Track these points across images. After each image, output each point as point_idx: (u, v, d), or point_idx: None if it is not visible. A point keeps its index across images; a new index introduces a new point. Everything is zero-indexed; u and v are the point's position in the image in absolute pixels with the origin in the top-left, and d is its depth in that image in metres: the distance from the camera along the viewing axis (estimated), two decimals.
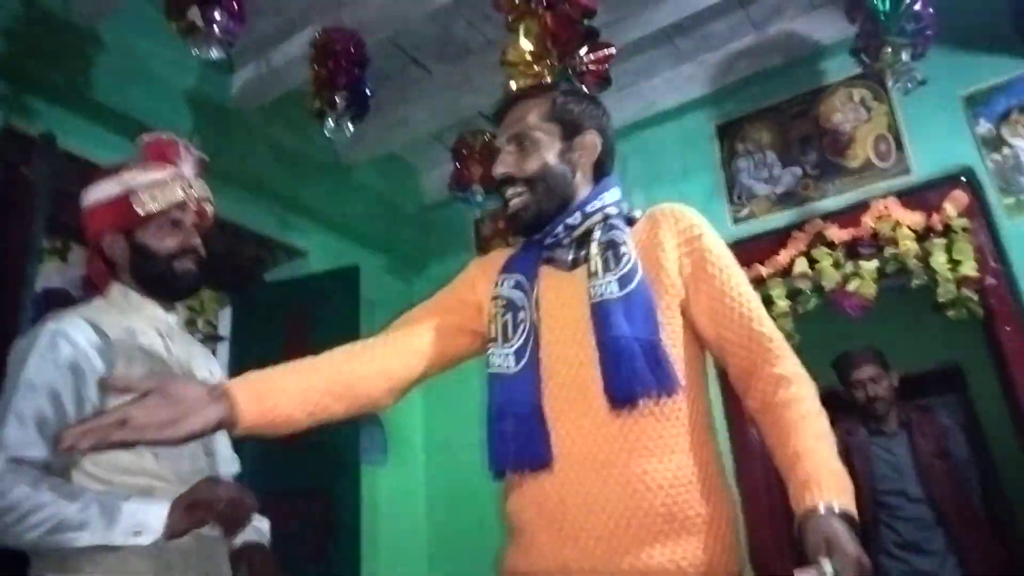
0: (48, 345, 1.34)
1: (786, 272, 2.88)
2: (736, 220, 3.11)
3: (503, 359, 1.26)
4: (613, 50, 2.21)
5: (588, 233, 1.32)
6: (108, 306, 1.48)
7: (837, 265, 2.79)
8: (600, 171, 1.40)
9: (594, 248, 1.28)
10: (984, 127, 2.67)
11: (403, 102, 3.27)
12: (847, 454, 2.98)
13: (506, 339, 1.27)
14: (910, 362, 3.52)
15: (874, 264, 2.74)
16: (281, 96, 2.99)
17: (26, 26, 2.33)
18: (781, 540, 2.87)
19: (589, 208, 1.33)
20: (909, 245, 2.65)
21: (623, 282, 1.22)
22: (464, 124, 3.34)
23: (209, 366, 1.64)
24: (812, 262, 2.83)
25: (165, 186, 1.49)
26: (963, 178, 2.67)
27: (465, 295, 1.41)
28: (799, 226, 2.91)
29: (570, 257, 1.33)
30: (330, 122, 2.50)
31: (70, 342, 1.34)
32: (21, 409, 1.28)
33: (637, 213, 1.40)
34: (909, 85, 2.38)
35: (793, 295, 2.88)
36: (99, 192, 1.51)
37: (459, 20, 2.96)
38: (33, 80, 2.38)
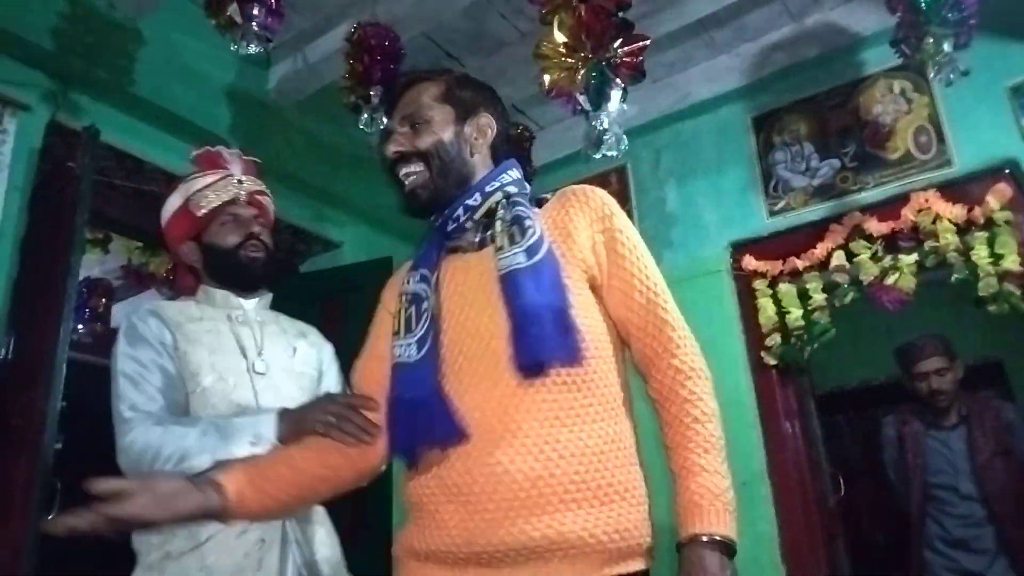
0: (129, 330, 1.52)
1: (823, 266, 2.84)
2: (772, 213, 3.07)
3: (405, 349, 1.22)
4: (647, 42, 2.20)
5: (491, 213, 1.29)
6: (187, 301, 1.64)
7: (876, 258, 2.74)
8: (497, 155, 1.36)
9: (498, 226, 1.25)
10: None
11: None
12: (900, 444, 2.93)
13: (408, 330, 1.23)
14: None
15: (913, 258, 2.69)
16: (317, 91, 3.02)
17: (71, 24, 2.39)
18: (814, 533, 2.85)
19: (488, 188, 1.29)
20: (950, 238, 2.59)
21: (530, 252, 1.18)
22: None
23: (292, 343, 1.68)
24: (850, 255, 2.79)
25: (216, 187, 1.61)
26: (1007, 170, 2.61)
27: (384, 328, 1.34)
28: (837, 219, 2.87)
29: (476, 239, 1.29)
30: (365, 116, 2.53)
31: (146, 323, 1.53)
32: (129, 377, 1.46)
33: (547, 196, 1.38)
34: (951, 76, 2.32)
35: (830, 289, 2.84)
36: (168, 210, 1.65)
37: (492, 14, 2.96)
38: (78, 77, 2.44)
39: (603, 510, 1.11)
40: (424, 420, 1.15)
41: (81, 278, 3.49)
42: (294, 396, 1.57)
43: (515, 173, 1.35)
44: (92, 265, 4.17)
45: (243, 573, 1.39)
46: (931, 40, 2.27)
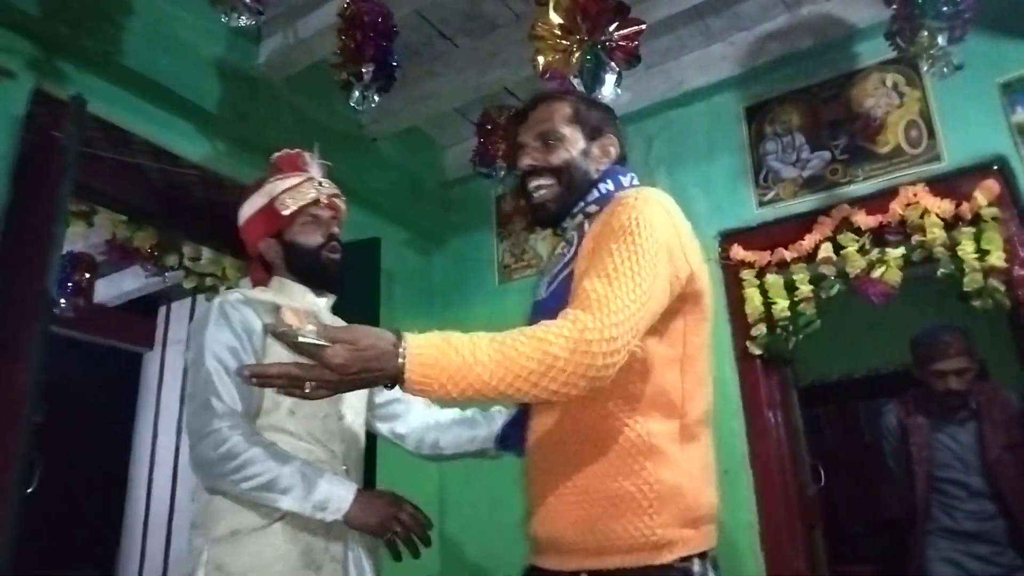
0: (219, 314, 1.55)
1: (810, 257, 2.86)
2: (762, 203, 3.08)
3: None
4: (643, 26, 2.19)
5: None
6: (268, 292, 1.71)
7: (863, 251, 2.76)
8: None
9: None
10: (1021, 115, 2.61)
11: (429, 76, 3.26)
12: (903, 434, 2.79)
13: None
14: None
15: (900, 251, 2.70)
16: (308, 66, 2.98)
17: None
18: (793, 523, 2.88)
19: (576, 209, 1.40)
20: (937, 233, 2.61)
21: (548, 285, 1.34)
22: (489, 100, 3.33)
23: None
24: (838, 248, 2.80)
25: (300, 188, 1.72)
26: (996, 167, 2.62)
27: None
28: (826, 211, 2.88)
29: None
30: (356, 94, 2.50)
31: (237, 310, 1.57)
32: (216, 367, 1.49)
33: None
34: (944, 70, 2.32)
35: (817, 280, 2.85)
36: (250, 207, 1.75)
37: None
38: (64, 44, 2.39)
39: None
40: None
41: (64, 251, 3.44)
42: (356, 406, 1.72)
43: (605, 187, 1.39)
44: (76, 239, 4.10)
45: (312, 554, 1.46)
46: (926, 33, 2.27)
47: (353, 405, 1.72)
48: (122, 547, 4.65)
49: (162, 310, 5.12)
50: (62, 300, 4.09)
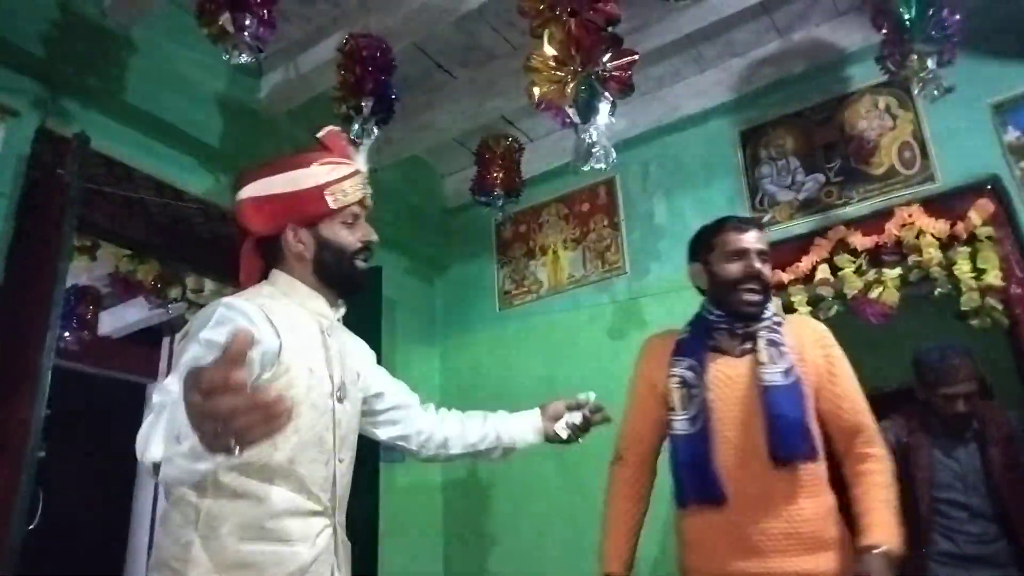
0: (222, 317, 1.30)
1: (808, 279, 2.87)
2: None
3: (682, 423, 1.74)
4: (636, 56, 2.22)
5: (754, 331, 1.79)
6: (275, 293, 1.47)
7: (860, 272, 2.77)
8: None
9: (761, 343, 1.74)
10: (1012, 135, 2.65)
11: (427, 107, 3.30)
12: (904, 453, 2.64)
13: (684, 408, 1.75)
14: None
15: (897, 272, 2.72)
16: (309, 100, 3.03)
17: (62, 31, 2.39)
18: None
19: (765, 317, 1.82)
20: (933, 253, 2.63)
21: (787, 374, 1.70)
22: (487, 129, 3.37)
23: (366, 358, 1.69)
24: (835, 269, 2.82)
25: (353, 182, 1.50)
26: (989, 186, 2.64)
27: (651, 392, 1.90)
28: (822, 233, 2.90)
29: (739, 347, 1.79)
30: (356, 127, 2.54)
31: (244, 315, 1.31)
32: (188, 361, 1.20)
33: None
34: (935, 93, 2.35)
35: (815, 302, 2.87)
36: (285, 183, 1.46)
37: (484, 26, 2.99)
38: (68, 83, 2.44)
39: (828, 554, 1.64)
40: (701, 483, 1.68)
41: (68, 285, 3.46)
42: (355, 426, 1.55)
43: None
44: (79, 272, 4.14)
45: None
46: (915, 57, 2.30)
47: (349, 441, 1.52)
48: None
49: (165, 341, 5.12)
50: (66, 333, 4.11)
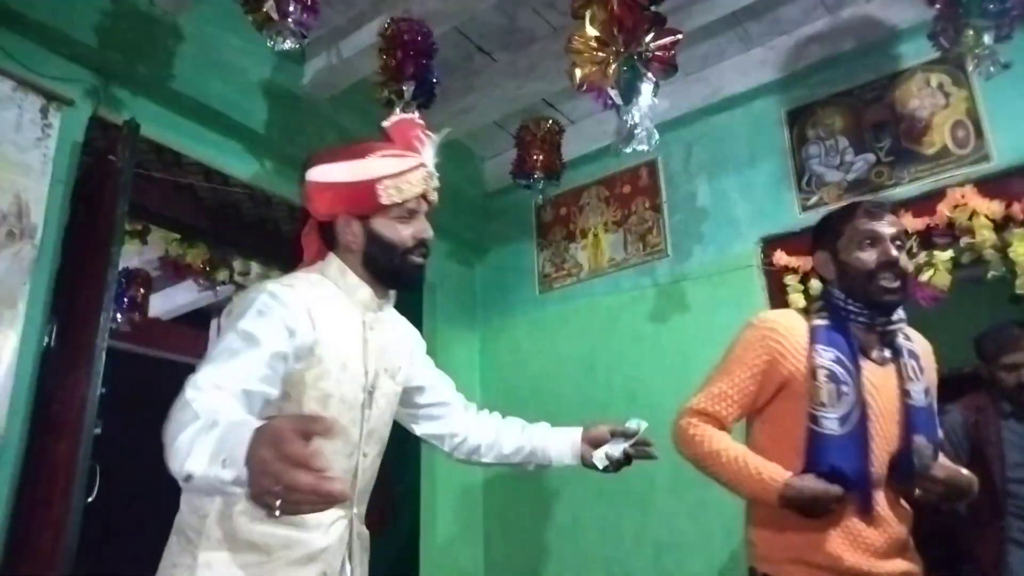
0: (264, 306, 1.29)
1: None
2: (804, 208, 3.04)
3: (832, 422, 1.58)
4: (680, 36, 2.19)
5: (892, 333, 1.70)
6: (322, 281, 1.46)
7: (910, 255, 2.70)
8: None
9: (905, 355, 1.67)
10: None
11: (468, 90, 3.30)
12: (972, 434, 2.67)
13: (832, 405, 1.59)
14: None
15: (949, 254, 2.64)
16: (351, 85, 3.06)
17: (113, 21, 2.45)
18: None
19: (902, 313, 1.72)
20: (986, 235, 2.55)
21: (926, 394, 1.65)
22: (527, 112, 3.36)
23: (413, 349, 1.65)
24: None
25: (410, 178, 1.43)
26: None
27: (769, 369, 1.72)
28: None
29: (883, 355, 1.69)
30: (398, 111, 2.55)
31: (284, 307, 1.31)
32: (223, 351, 1.22)
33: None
34: (991, 69, 2.27)
35: None
36: (343, 173, 1.43)
37: (525, 8, 2.97)
38: (119, 72, 2.50)
39: (914, 557, 1.68)
40: (852, 490, 1.57)
41: (120, 268, 3.57)
42: (388, 420, 1.54)
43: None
44: (131, 256, 4.27)
45: None
46: (971, 32, 2.23)
47: (378, 435, 1.51)
48: None
49: (214, 323, 5.25)
50: (119, 315, 4.24)
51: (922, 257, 2.69)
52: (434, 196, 1.51)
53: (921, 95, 2.87)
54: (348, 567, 1.40)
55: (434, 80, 2.62)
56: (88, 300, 2.23)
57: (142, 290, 4.55)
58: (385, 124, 1.52)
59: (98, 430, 2.20)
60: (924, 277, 2.66)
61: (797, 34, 3.12)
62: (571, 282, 3.66)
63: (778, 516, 1.62)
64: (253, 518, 1.29)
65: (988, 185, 2.62)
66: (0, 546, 2.02)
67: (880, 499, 1.62)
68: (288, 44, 2.26)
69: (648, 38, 2.12)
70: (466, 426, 1.76)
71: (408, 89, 2.51)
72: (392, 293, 1.54)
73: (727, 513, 2.91)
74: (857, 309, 1.67)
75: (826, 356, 1.62)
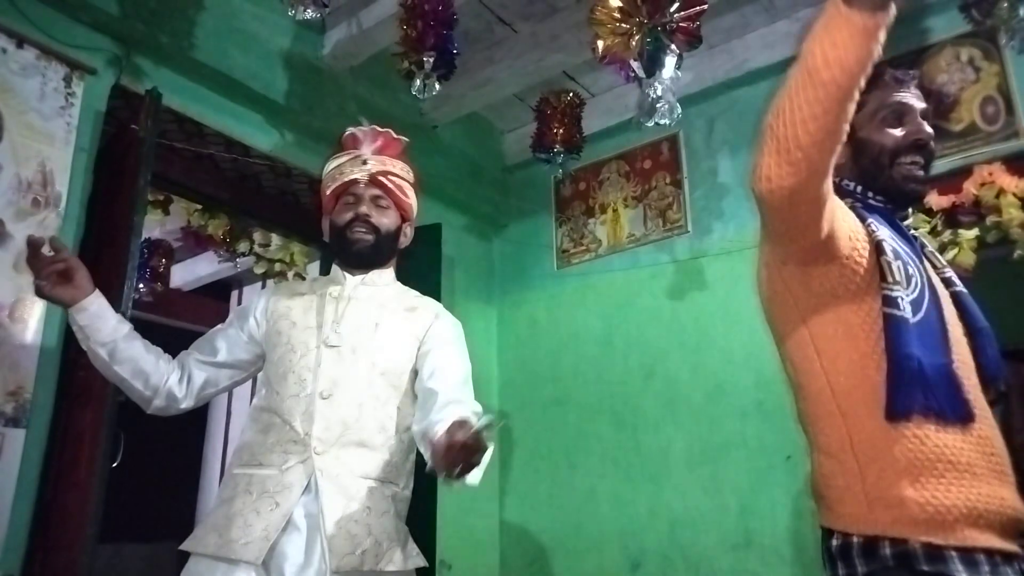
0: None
1: None
2: None
3: (906, 303, 1.22)
4: (704, 6, 2.16)
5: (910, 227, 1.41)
6: (314, 274, 1.81)
7: (935, 233, 2.67)
8: None
9: (928, 246, 1.41)
10: None
11: (488, 62, 3.28)
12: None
13: (904, 284, 1.24)
14: (1010, 336, 3.35)
15: (974, 233, 2.61)
16: (371, 56, 3.04)
17: None
18: None
19: None
20: (1014, 213, 2.51)
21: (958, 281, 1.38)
22: (548, 84, 3.33)
23: (376, 320, 1.65)
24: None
25: (343, 167, 1.70)
26: None
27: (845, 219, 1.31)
28: None
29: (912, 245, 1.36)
30: (417, 82, 2.54)
31: (254, 300, 1.76)
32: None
33: None
34: None
35: None
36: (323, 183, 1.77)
37: None
38: (141, 41, 2.51)
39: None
40: (943, 390, 1.20)
41: (142, 238, 3.60)
42: (361, 374, 1.58)
43: None
44: (153, 226, 4.30)
45: (250, 531, 1.43)
46: (1005, 4, 2.18)
47: (347, 363, 1.59)
48: (197, 520, 4.88)
49: (234, 294, 5.31)
50: (141, 285, 4.29)
51: (947, 235, 2.65)
52: (392, 181, 1.71)
53: (950, 70, 2.81)
54: (318, 505, 1.44)
55: (454, 51, 2.60)
56: (112, 270, 2.25)
57: (164, 260, 4.59)
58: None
59: (122, 398, 2.23)
60: (948, 256, 2.62)
61: (823, 6, 3.05)
62: (589, 257, 3.65)
63: (888, 451, 1.19)
64: (240, 464, 1.55)
65: (1017, 163, 2.58)
66: (30, 508, 2.07)
67: (980, 403, 1.25)
68: (309, 14, 2.25)
69: (672, 8, 2.09)
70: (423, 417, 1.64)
71: (428, 60, 2.49)
72: (374, 269, 1.72)
73: (742, 488, 2.93)
74: (877, 202, 1.36)
75: (883, 231, 1.29)
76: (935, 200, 2.67)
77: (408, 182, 1.76)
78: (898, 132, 1.36)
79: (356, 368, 1.58)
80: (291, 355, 1.60)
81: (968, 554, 1.13)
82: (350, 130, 1.75)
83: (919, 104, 1.39)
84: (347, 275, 1.70)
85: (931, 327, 1.23)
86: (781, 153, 1.11)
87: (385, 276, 1.74)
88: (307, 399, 1.54)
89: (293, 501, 1.44)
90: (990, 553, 1.14)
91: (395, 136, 1.76)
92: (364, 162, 1.69)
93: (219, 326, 1.74)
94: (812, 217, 1.18)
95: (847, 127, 1.12)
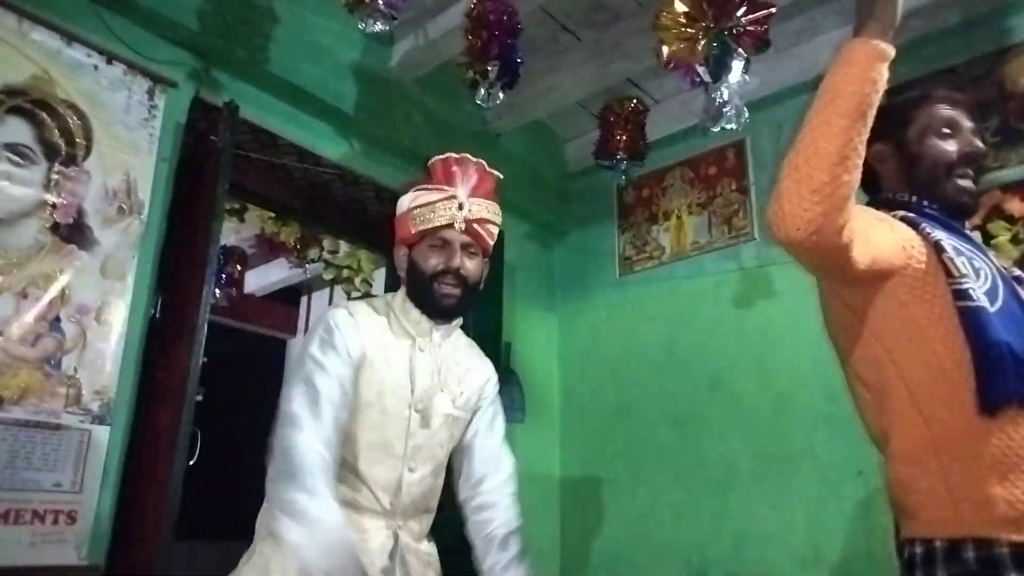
0: (326, 332, 1.50)
1: None
2: None
3: (981, 294, 1.20)
4: (773, 10, 2.12)
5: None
6: (381, 305, 1.62)
7: (1016, 241, 2.56)
8: None
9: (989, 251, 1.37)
10: None
11: (552, 70, 3.29)
12: None
13: (974, 278, 1.22)
14: None
15: None
16: (437, 67, 3.10)
17: (213, 5, 2.56)
18: None
19: None
20: None
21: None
22: (611, 92, 3.33)
23: (461, 387, 1.64)
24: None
25: (436, 208, 1.55)
26: None
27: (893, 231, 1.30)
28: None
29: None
30: (482, 91, 2.58)
31: (339, 332, 1.50)
32: (301, 377, 1.45)
33: None
34: None
35: None
36: (401, 205, 1.61)
37: None
38: (219, 55, 2.61)
39: None
40: None
41: (219, 245, 3.74)
42: (439, 441, 1.58)
43: None
44: (228, 233, 4.46)
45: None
46: None
47: (428, 453, 1.57)
48: None
49: (304, 300, 5.45)
50: (217, 290, 4.45)
51: None
52: (483, 230, 1.58)
53: None
54: (405, 571, 1.48)
55: (518, 60, 2.62)
56: (191, 275, 2.35)
57: (239, 267, 4.74)
58: (430, 162, 1.63)
59: (200, 397, 2.32)
60: None
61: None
62: (652, 265, 3.62)
63: (983, 446, 1.15)
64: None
65: None
66: (112, 503, 2.17)
67: None
68: (378, 26, 2.31)
69: (739, 12, 2.06)
70: (492, 494, 1.68)
71: (493, 70, 2.53)
72: (440, 322, 1.60)
73: (810, 503, 2.85)
74: (932, 211, 1.34)
75: (939, 233, 1.27)
76: (1017, 207, 2.56)
77: (498, 224, 1.64)
78: (951, 146, 1.37)
79: (437, 436, 1.58)
80: (383, 417, 1.51)
81: None
82: (442, 159, 1.62)
83: (969, 123, 1.39)
84: (432, 326, 1.59)
85: (1014, 314, 1.20)
86: (803, 182, 1.12)
87: (458, 327, 1.67)
88: (394, 469, 1.51)
89: (377, 569, 1.44)
90: None
91: (488, 170, 1.64)
92: (460, 207, 1.55)
93: (327, 382, 1.45)
94: (842, 249, 1.16)
95: (863, 149, 1.15)
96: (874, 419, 1.31)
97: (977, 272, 1.23)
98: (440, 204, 1.55)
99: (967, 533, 1.12)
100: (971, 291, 1.19)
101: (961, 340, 1.18)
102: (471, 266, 1.57)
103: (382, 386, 1.51)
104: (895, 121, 1.41)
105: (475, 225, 1.57)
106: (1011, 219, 2.57)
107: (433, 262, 1.54)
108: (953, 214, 1.35)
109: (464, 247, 1.56)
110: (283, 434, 1.38)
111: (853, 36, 1.20)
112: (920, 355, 1.22)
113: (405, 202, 1.59)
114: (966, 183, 1.36)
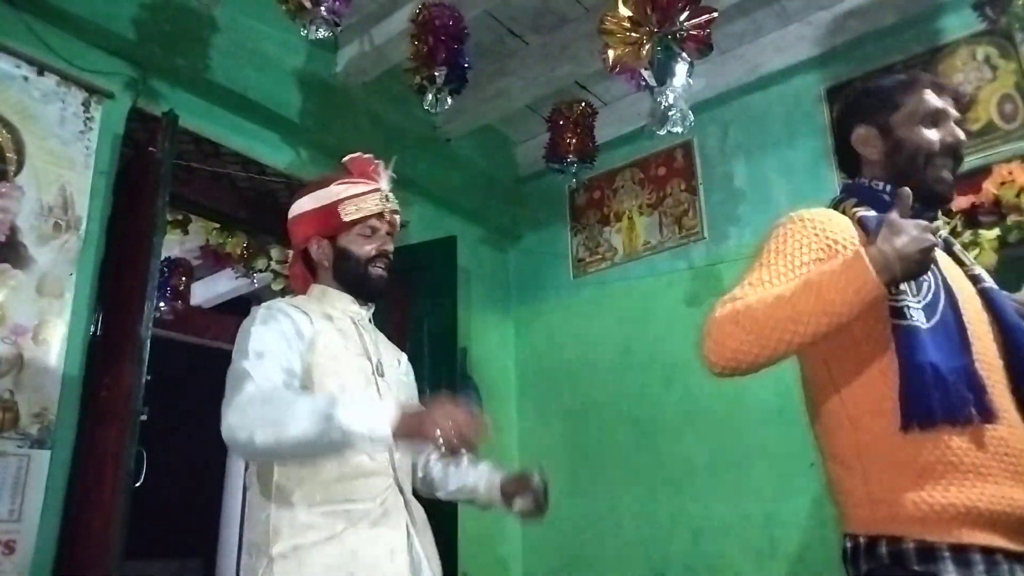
0: (265, 318, 1.55)
1: None
2: None
3: (919, 312, 1.23)
4: (715, 14, 2.15)
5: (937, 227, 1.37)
6: (308, 300, 1.69)
7: (955, 233, 2.64)
8: None
9: (956, 245, 1.43)
10: None
11: (500, 74, 3.29)
12: None
13: (912, 293, 1.25)
14: None
15: (995, 232, 2.58)
16: (383, 72, 3.07)
17: (151, 13, 2.49)
18: None
19: None
20: None
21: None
22: (560, 95, 3.34)
23: (397, 356, 1.79)
24: None
25: (367, 198, 1.67)
26: None
27: (826, 253, 1.33)
28: None
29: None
30: (430, 97, 2.56)
31: (282, 312, 1.56)
32: (258, 352, 1.48)
33: None
34: None
35: None
36: (310, 203, 1.70)
37: None
38: (158, 64, 2.54)
39: None
40: (962, 391, 1.18)
41: (162, 258, 3.64)
42: (401, 400, 1.65)
43: None
44: (172, 245, 4.35)
45: (380, 562, 1.43)
46: (1020, 1, 2.15)
47: (396, 395, 1.69)
48: (221, 536, 4.90)
49: (252, 310, 5.34)
50: (162, 304, 4.33)
51: (967, 236, 2.62)
52: (395, 218, 1.72)
53: (966, 69, 2.79)
54: (412, 532, 1.51)
55: (466, 65, 2.61)
56: (132, 289, 2.28)
57: (184, 279, 4.63)
58: (344, 160, 1.75)
59: (144, 417, 2.25)
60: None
61: (836, 9, 3.05)
62: (606, 266, 3.64)
63: (905, 457, 1.20)
64: (311, 504, 1.43)
65: None
66: (56, 527, 2.09)
67: (1004, 402, 1.23)
68: (321, 32, 2.27)
69: (682, 17, 2.08)
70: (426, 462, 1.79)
71: (440, 74, 2.51)
72: (370, 304, 1.72)
73: (765, 496, 2.90)
74: None
75: None
76: (955, 200, 2.64)
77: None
78: (935, 135, 1.37)
79: (400, 398, 1.66)
80: (359, 378, 1.58)
81: (962, 553, 1.14)
82: (358, 157, 1.74)
83: (954, 112, 1.41)
84: (359, 305, 1.69)
85: (948, 329, 1.23)
86: (763, 338, 1.21)
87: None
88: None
89: (403, 533, 1.49)
90: (990, 552, 1.14)
91: (394, 175, 1.77)
92: (387, 198, 1.70)
93: (278, 346, 1.50)
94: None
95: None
96: (814, 418, 1.38)
97: (920, 285, 1.25)
98: (369, 196, 1.68)
99: (881, 531, 1.20)
100: (906, 309, 1.23)
101: (892, 353, 1.22)
102: (391, 251, 1.72)
103: (347, 355, 1.58)
104: (881, 104, 1.42)
105: (395, 215, 1.72)
106: (949, 212, 2.65)
107: (368, 248, 1.67)
108: (927, 204, 1.35)
109: (388, 234, 1.71)
110: (237, 399, 1.39)
111: (868, 258, 1.16)
112: (852, 365, 1.27)
113: (330, 195, 1.67)
114: (945, 173, 1.37)
